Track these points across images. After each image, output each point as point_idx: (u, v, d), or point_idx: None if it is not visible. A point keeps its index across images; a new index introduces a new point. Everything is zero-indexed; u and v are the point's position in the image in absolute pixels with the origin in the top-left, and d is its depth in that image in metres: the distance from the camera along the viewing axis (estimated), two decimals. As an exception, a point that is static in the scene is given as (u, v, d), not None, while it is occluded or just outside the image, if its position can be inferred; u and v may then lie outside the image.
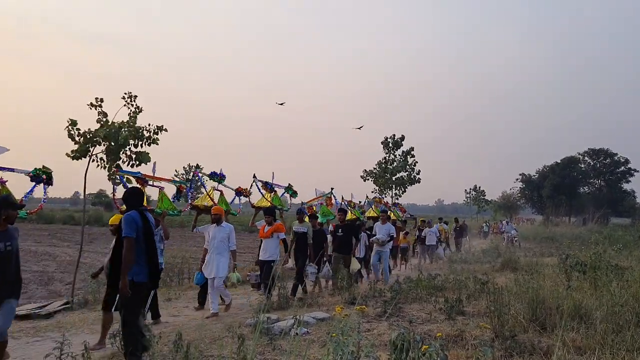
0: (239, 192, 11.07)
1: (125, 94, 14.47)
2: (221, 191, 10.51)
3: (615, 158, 66.76)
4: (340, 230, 10.81)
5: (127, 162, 14.46)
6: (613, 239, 19.31)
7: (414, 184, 30.42)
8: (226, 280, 8.56)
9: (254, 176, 11.32)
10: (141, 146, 14.33)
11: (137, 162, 14.61)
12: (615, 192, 65.43)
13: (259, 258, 9.56)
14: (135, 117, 14.15)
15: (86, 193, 11.07)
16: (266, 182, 11.55)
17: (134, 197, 5.48)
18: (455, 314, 6.51)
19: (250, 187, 11.40)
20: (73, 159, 13.21)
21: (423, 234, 18.14)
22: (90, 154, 13.41)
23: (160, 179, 9.41)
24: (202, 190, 10.84)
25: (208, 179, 10.68)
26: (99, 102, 14.16)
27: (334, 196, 14.44)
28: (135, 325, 4.84)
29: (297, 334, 5.61)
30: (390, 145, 30.65)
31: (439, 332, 5.38)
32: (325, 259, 10.66)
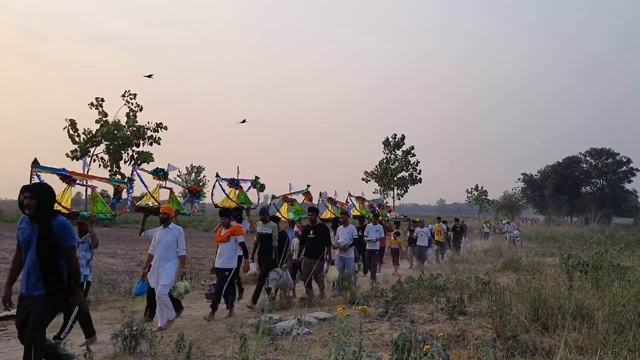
0: (193, 192, 10.18)
1: (125, 92, 14.54)
2: (171, 189, 9.51)
3: (617, 158, 66.79)
4: (311, 231, 9.45)
5: (128, 162, 14.54)
6: (615, 239, 19.28)
7: (416, 184, 30.46)
8: (172, 290, 7.46)
9: (217, 175, 10.32)
10: (143, 146, 14.41)
11: (140, 162, 14.69)
12: (617, 191, 65.43)
13: (215, 265, 8.63)
14: (135, 116, 14.20)
15: (88, 193, 10.95)
16: (231, 179, 10.46)
17: (53, 198, 4.53)
18: (457, 314, 6.50)
19: (213, 188, 10.35)
20: (72, 159, 13.25)
21: (415, 234, 17.01)
22: (90, 154, 13.43)
23: (92, 177, 8.28)
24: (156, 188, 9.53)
25: (152, 176, 9.45)
26: (100, 102, 14.22)
27: (307, 193, 12.99)
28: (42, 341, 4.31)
29: (298, 334, 5.62)
30: (392, 145, 30.68)
31: (440, 332, 5.39)
32: (285, 265, 9.58)
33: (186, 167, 59.17)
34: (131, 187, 8.80)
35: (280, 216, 11.49)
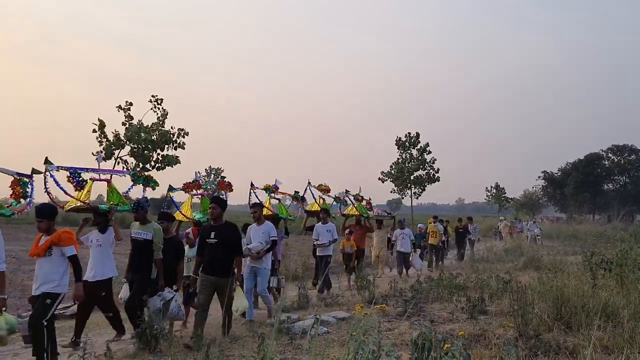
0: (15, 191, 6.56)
1: (152, 97, 14.70)
2: None
3: (640, 154, 65.53)
4: (212, 233, 6.38)
5: (153, 166, 14.70)
6: (639, 236, 18.89)
7: (433, 183, 30.22)
8: None
9: (47, 161, 6.70)
10: (168, 150, 14.61)
11: (164, 165, 14.86)
12: (640, 188, 64.22)
13: (32, 293, 5.72)
14: (164, 121, 14.46)
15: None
16: (71, 169, 7.08)
17: None
18: (478, 313, 6.43)
19: (45, 183, 6.76)
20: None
21: (393, 237, 14.13)
22: (115, 156, 13.64)
23: None
24: None
25: None
26: (128, 106, 14.42)
27: (223, 181, 9.72)
28: None
29: (317, 333, 5.60)
30: (406, 144, 30.43)
31: (461, 331, 5.31)
32: (176, 287, 6.88)
33: (205, 169, 59.45)
34: None
35: (182, 216, 8.80)
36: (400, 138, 30.54)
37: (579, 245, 20.36)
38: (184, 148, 12.33)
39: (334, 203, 12.90)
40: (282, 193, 11.11)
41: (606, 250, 9.87)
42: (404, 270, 13.89)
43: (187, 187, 9.03)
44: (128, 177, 8.01)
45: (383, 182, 31.03)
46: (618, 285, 6.84)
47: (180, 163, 10.96)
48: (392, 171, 30.50)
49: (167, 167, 12.26)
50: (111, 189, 7.56)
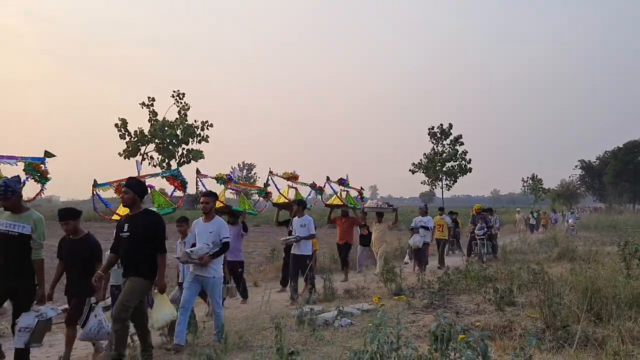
0: None
1: (174, 91, 15.08)
2: None
3: (684, 141, 63.17)
4: (126, 225, 5.00)
5: (179, 160, 15.02)
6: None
7: (466, 174, 29.83)
8: None
9: None
10: (193, 144, 14.92)
11: (190, 160, 15.17)
12: (684, 176, 61.97)
13: None
14: (186, 115, 14.76)
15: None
16: None
17: None
18: (505, 304, 6.34)
19: None
20: (125, 158, 13.81)
21: (413, 224, 12.61)
22: (141, 152, 13.93)
23: None
24: None
25: None
26: (151, 102, 14.79)
27: (172, 176, 8.02)
28: None
29: (340, 325, 5.62)
30: (438, 135, 30.14)
31: (486, 323, 5.24)
32: (93, 301, 5.27)
33: (238, 165, 60.30)
34: None
35: (116, 215, 6.91)
36: (433, 127, 30.18)
37: (617, 235, 19.76)
38: (207, 141, 12.40)
39: (311, 191, 11.19)
40: (243, 185, 9.59)
41: (643, 239, 9.55)
42: (418, 265, 12.21)
43: (118, 187, 6.87)
44: (20, 165, 6.03)
45: (413, 173, 30.82)
46: (653, 275, 6.61)
47: (203, 158, 11.02)
48: (423, 162, 30.27)
49: (192, 161, 12.40)
50: None
